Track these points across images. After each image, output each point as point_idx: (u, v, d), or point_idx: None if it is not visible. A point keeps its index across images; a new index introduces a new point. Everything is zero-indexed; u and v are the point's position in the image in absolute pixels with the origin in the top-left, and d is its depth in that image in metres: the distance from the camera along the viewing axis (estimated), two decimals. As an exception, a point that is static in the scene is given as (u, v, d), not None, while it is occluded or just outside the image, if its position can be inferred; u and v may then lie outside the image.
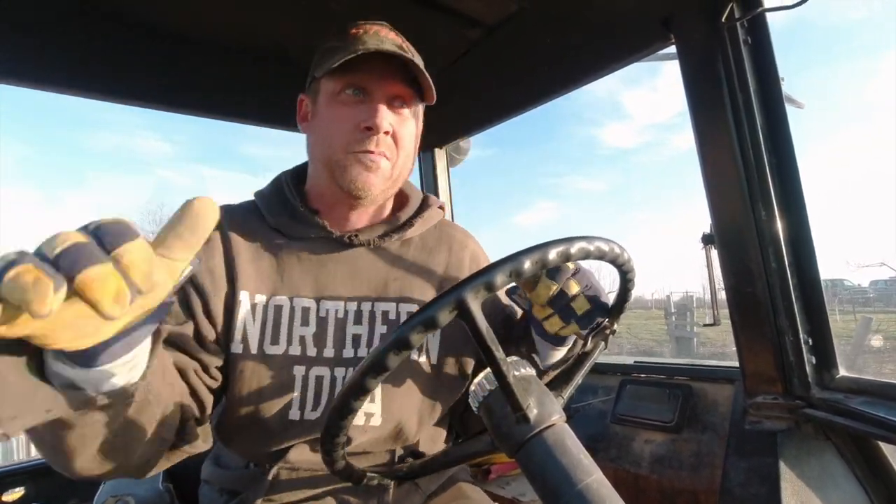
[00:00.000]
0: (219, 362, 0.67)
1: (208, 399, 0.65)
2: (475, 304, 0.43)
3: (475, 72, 1.25)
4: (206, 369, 0.66)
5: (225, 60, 1.14)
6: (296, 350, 0.69)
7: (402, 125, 0.72)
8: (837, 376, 0.91)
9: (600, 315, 0.62)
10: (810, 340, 0.92)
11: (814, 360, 0.92)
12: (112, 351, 0.39)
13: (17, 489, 1.13)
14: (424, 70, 0.69)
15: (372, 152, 0.69)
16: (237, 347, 0.68)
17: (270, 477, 0.69)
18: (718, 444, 1.04)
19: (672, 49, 0.98)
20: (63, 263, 0.29)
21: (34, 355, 0.38)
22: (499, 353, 0.44)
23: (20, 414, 0.38)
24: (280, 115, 1.38)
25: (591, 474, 0.43)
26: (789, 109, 0.90)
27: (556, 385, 0.62)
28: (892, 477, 0.96)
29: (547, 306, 0.62)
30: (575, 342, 0.70)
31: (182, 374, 0.62)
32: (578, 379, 0.63)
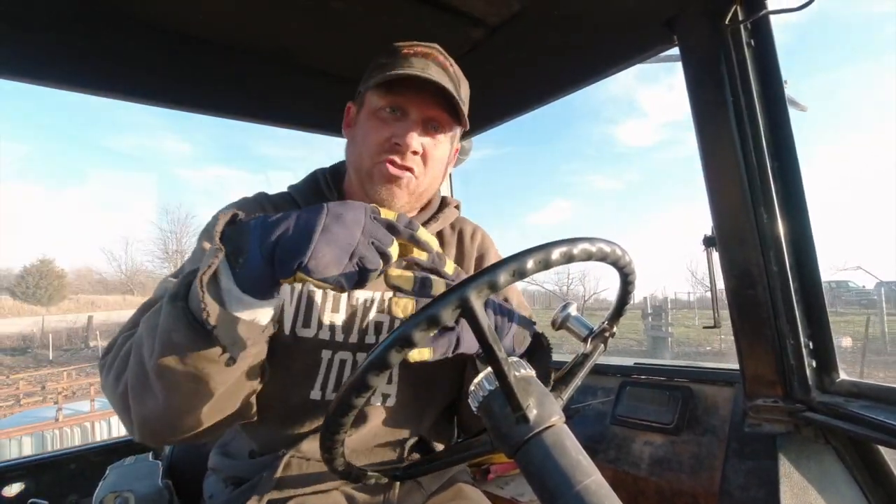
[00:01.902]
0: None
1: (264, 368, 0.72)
2: (478, 303, 0.43)
3: (478, 72, 1.24)
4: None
5: (226, 59, 1.14)
6: (325, 335, 0.75)
7: (434, 147, 0.76)
8: (838, 380, 0.91)
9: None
10: (811, 344, 0.92)
11: (814, 364, 0.92)
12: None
13: (17, 484, 1.13)
14: (460, 97, 0.73)
15: (395, 162, 0.73)
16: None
17: (281, 467, 0.71)
18: (718, 447, 1.04)
19: (675, 51, 0.98)
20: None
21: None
22: (500, 352, 0.44)
23: (257, 341, 0.56)
24: (282, 113, 1.38)
25: (590, 475, 0.43)
26: (792, 112, 0.90)
27: (555, 386, 0.62)
28: (891, 481, 0.96)
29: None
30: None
31: None
32: (578, 380, 0.63)
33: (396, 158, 0.73)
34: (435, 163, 0.78)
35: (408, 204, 0.79)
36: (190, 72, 1.16)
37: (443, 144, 0.78)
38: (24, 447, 5.54)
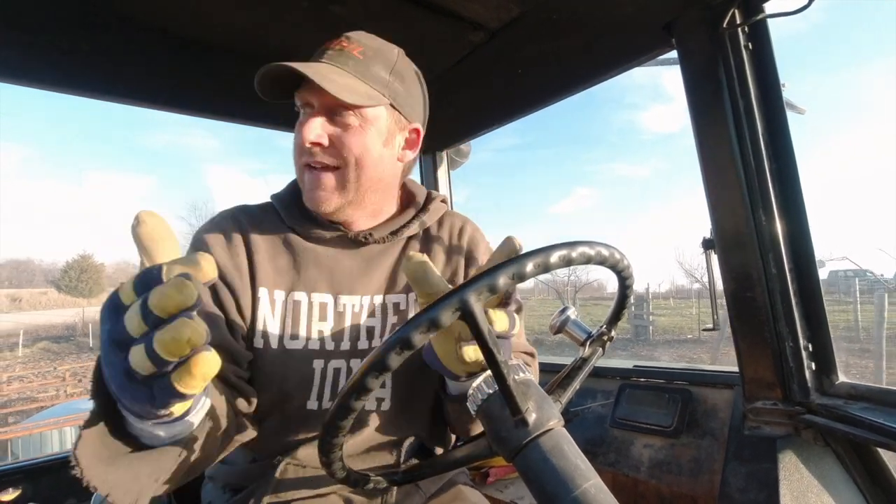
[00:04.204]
0: (251, 356, 0.70)
1: (252, 391, 0.70)
2: (478, 306, 0.43)
3: (477, 75, 1.25)
4: (241, 365, 0.69)
5: (227, 63, 1.15)
6: (315, 345, 0.73)
7: (346, 134, 0.70)
8: (837, 382, 0.91)
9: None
10: (810, 346, 0.92)
11: (813, 366, 0.92)
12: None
13: (14, 489, 1.13)
14: (364, 75, 0.69)
15: (309, 164, 0.71)
16: (258, 342, 0.71)
17: (277, 473, 0.70)
18: (718, 450, 1.03)
19: (673, 54, 0.98)
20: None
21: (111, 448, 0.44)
22: (500, 355, 0.44)
23: (140, 495, 0.46)
24: (283, 117, 1.39)
25: (589, 479, 0.43)
26: (790, 115, 0.90)
27: (554, 389, 0.62)
28: (891, 483, 0.96)
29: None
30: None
31: (223, 379, 0.65)
32: (577, 383, 0.63)
33: (308, 160, 0.71)
34: (355, 149, 0.70)
35: (348, 203, 0.73)
36: (190, 75, 1.16)
37: (356, 130, 0.70)
38: (67, 438, 5.61)
